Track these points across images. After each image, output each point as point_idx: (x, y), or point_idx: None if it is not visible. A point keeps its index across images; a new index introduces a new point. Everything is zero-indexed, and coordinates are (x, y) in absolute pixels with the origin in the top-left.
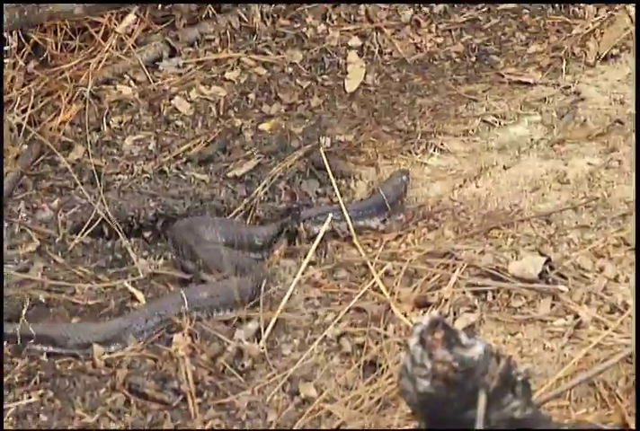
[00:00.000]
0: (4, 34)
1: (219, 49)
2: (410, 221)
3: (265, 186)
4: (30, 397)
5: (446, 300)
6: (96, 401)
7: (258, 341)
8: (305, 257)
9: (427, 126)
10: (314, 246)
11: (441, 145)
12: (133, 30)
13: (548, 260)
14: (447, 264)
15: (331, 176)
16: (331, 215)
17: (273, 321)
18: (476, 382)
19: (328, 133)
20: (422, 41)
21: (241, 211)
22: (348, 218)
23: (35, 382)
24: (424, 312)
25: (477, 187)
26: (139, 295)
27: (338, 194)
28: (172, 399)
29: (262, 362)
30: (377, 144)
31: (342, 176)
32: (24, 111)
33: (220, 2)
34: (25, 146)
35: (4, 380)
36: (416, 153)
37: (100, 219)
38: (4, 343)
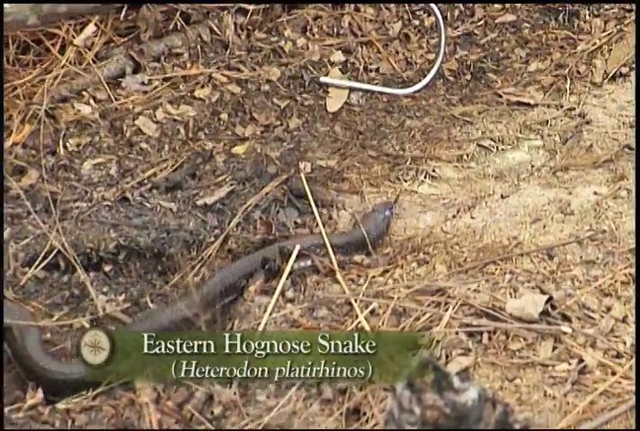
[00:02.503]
0: None
1: (188, 65)
2: (398, 254)
3: (239, 216)
4: None
5: (437, 342)
6: None
7: (230, 386)
8: (280, 293)
9: (417, 150)
10: (282, 281)
11: (433, 171)
12: (93, 43)
13: (550, 299)
14: (438, 302)
15: (312, 204)
16: (298, 246)
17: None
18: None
19: (308, 157)
20: (411, 57)
21: (211, 243)
22: (331, 252)
23: None
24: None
25: (472, 218)
26: None
27: (320, 225)
28: None
29: (235, 409)
30: (363, 170)
31: (324, 205)
32: None
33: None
34: None
35: None
36: (405, 181)
37: (55, 251)
38: None
